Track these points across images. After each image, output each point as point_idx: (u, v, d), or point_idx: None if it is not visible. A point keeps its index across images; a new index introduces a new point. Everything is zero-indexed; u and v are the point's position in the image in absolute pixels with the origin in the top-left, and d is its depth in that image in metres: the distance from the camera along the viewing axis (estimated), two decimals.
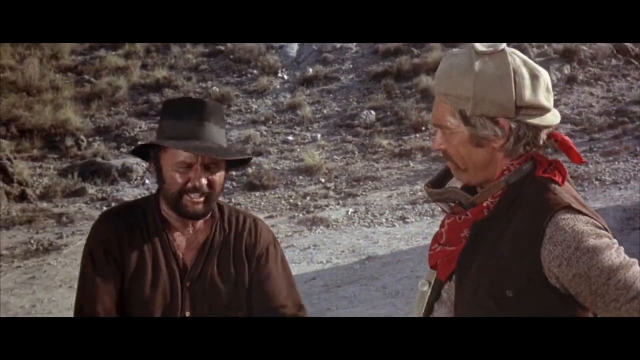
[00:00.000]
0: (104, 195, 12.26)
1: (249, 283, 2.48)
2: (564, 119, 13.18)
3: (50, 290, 8.48)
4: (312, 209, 11.12)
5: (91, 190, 12.41)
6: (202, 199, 2.39)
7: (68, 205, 11.96)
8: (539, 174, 1.94)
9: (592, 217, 1.90)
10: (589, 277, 1.80)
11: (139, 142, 2.54)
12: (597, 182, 10.94)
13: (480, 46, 1.92)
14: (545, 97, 1.93)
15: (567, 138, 2.02)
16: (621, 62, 15.39)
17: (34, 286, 8.68)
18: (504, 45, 1.93)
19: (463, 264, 1.97)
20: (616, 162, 11.64)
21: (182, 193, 2.38)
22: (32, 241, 10.38)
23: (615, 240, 1.89)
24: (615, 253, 1.83)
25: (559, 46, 15.36)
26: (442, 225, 2.06)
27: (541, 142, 1.96)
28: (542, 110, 1.92)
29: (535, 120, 1.91)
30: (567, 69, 14.99)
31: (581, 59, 15.23)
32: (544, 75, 1.94)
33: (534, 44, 15.50)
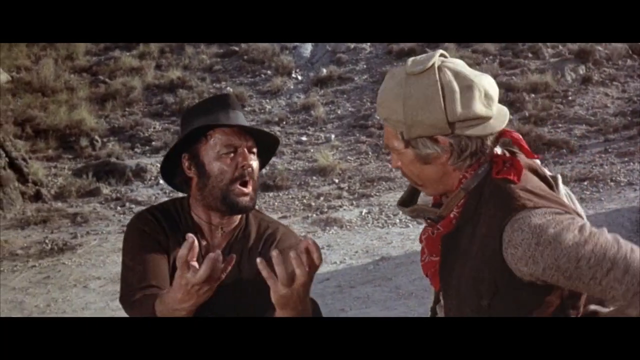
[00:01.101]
0: (119, 195, 12.29)
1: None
2: (579, 120, 13.13)
3: (65, 290, 8.51)
4: (326, 210, 11.12)
5: (105, 190, 12.45)
6: (250, 189, 2.39)
7: (82, 205, 12.00)
8: (494, 176, 1.93)
9: (549, 206, 1.86)
10: (558, 266, 1.79)
11: (170, 146, 2.51)
12: (612, 183, 10.87)
13: (410, 66, 1.90)
14: (484, 105, 1.88)
15: (517, 135, 2.00)
16: (636, 63, 15.31)
17: (49, 286, 8.72)
18: (433, 60, 1.89)
19: (443, 279, 2.01)
20: (631, 163, 11.58)
21: (233, 182, 2.37)
22: (46, 241, 10.43)
23: (576, 216, 1.87)
24: (577, 232, 1.81)
25: (574, 46, 15.29)
26: (420, 239, 2.08)
27: (488, 148, 1.94)
28: (481, 119, 1.89)
29: (476, 131, 1.89)
30: (582, 70, 14.92)
31: (596, 59, 15.15)
32: (481, 83, 1.89)
33: (548, 44, 15.45)
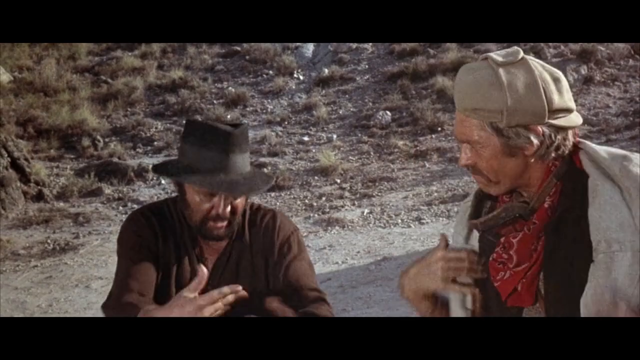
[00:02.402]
0: (121, 195, 12.30)
1: (273, 276, 2.50)
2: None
3: (67, 290, 8.52)
4: (328, 210, 11.12)
5: (107, 190, 12.46)
6: (224, 223, 2.43)
7: (85, 205, 12.01)
8: (577, 145, 1.94)
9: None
10: None
11: (162, 167, 2.52)
12: None
13: (499, 57, 1.89)
14: (569, 99, 1.91)
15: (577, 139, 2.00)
16: (638, 63, 15.29)
17: (51, 285, 8.73)
18: (521, 53, 1.89)
19: (550, 281, 1.91)
20: None
21: (205, 220, 2.41)
22: (49, 241, 10.44)
23: None
24: None
25: (576, 47, 15.28)
26: (505, 249, 1.95)
27: (569, 143, 1.93)
28: (568, 111, 1.90)
29: (563, 122, 1.89)
30: (584, 70, 14.91)
31: (598, 59, 15.14)
32: (563, 77, 1.92)
33: (550, 44, 15.43)
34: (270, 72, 16.50)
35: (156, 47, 17.38)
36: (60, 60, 17.22)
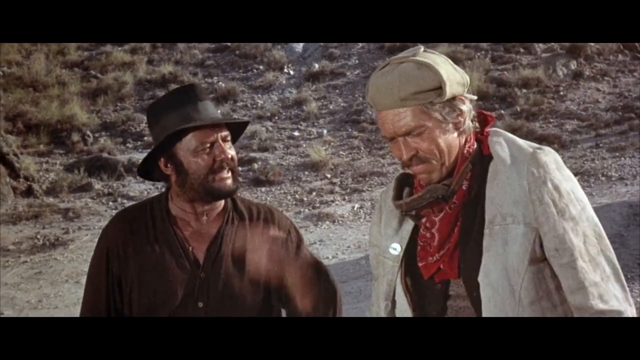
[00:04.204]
0: (110, 190, 12.27)
1: (274, 271, 2.48)
2: (571, 115, 13.16)
3: (57, 285, 8.51)
4: (318, 205, 11.13)
5: (97, 185, 12.43)
6: (229, 174, 2.40)
7: (74, 200, 11.98)
8: (485, 135, 2.13)
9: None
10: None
11: (146, 159, 2.51)
12: (603, 178, 10.92)
13: (406, 54, 2.07)
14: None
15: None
16: (628, 58, 15.36)
17: (41, 281, 8.71)
18: (422, 48, 2.09)
19: (467, 258, 2.05)
20: (622, 158, 11.61)
21: (210, 174, 2.38)
22: (38, 236, 10.41)
23: None
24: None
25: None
26: (427, 228, 2.11)
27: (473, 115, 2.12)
28: (466, 86, 2.09)
29: (470, 95, 2.10)
30: (573, 65, 14.95)
31: (588, 54, 15.19)
32: None
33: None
34: (261, 67, 16.48)
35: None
36: (49, 55, 17.14)
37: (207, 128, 2.38)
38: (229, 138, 2.44)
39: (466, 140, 2.10)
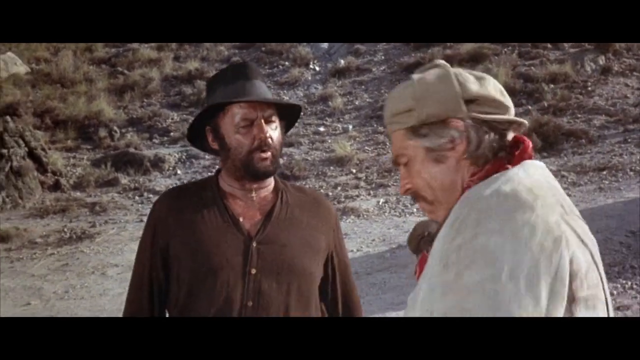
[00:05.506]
0: (137, 185, 12.36)
1: (330, 252, 2.52)
2: (599, 110, 13.03)
3: (83, 277, 8.57)
4: (343, 199, 11.12)
5: (124, 180, 12.52)
6: (269, 154, 2.40)
7: (101, 195, 12.08)
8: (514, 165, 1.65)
9: None
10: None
11: (192, 125, 2.51)
12: (631, 173, 10.83)
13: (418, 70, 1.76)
14: (500, 93, 1.67)
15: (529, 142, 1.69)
16: None
17: (67, 273, 8.79)
18: (442, 62, 1.72)
19: None
20: None
21: (251, 152, 2.38)
22: (65, 229, 10.50)
23: None
24: None
25: None
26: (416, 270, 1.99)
27: (506, 144, 1.66)
28: (500, 106, 1.66)
29: (494, 117, 1.64)
30: (601, 60, 14.80)
31: (616, 49, 15.03)
32: (491, 78, 1.71)
33: None
34: (286, 63, 16.51)
35: None
36: (77, 52, 17.32)
37: (250, 107, 2.39)
38: (273, 119, 2.43)
39: (476, 172, 1.64)
